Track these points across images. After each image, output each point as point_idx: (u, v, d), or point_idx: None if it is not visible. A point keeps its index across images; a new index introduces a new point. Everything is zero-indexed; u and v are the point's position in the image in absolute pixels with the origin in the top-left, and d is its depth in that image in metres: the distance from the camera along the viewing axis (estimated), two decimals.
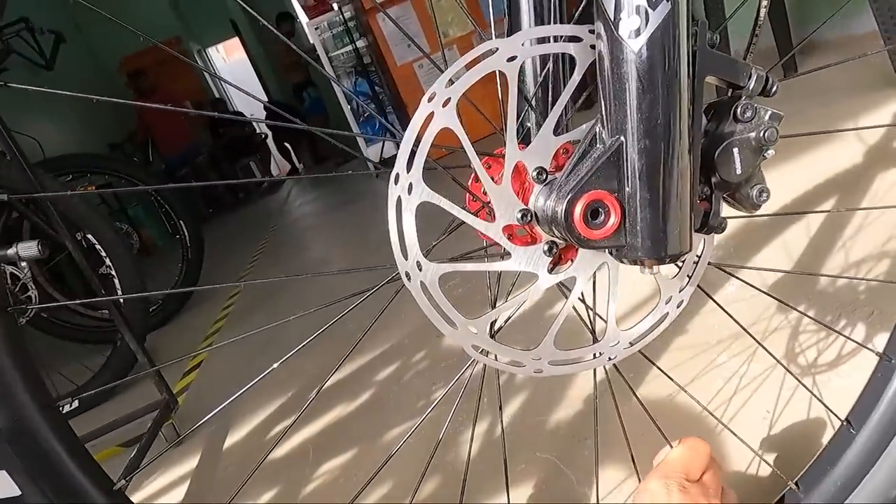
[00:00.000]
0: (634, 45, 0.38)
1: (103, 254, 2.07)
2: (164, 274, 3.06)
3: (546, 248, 0.45)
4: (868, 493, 0.57)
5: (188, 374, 2.17)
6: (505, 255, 0.46)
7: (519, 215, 0.44)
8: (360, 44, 5.02)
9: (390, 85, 4.62)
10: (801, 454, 0.80)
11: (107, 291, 2.18)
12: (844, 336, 0.81)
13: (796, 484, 0.63)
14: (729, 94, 0.46)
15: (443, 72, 0.43)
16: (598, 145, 0.42)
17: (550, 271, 0.45)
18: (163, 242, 5.36)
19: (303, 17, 6.15)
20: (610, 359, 0.48)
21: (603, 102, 0.40)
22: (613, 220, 0.41)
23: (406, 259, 0.44)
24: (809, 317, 1.03)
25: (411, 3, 4.38)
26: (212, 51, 9.63)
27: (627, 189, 0.41)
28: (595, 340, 0.50)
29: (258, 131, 7.63)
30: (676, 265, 0.49)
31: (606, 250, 0.44)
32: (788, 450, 0.83)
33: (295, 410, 1.54)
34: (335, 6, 4.96)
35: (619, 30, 0.38)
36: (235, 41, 8.77)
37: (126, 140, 6.34)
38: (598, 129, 0.42)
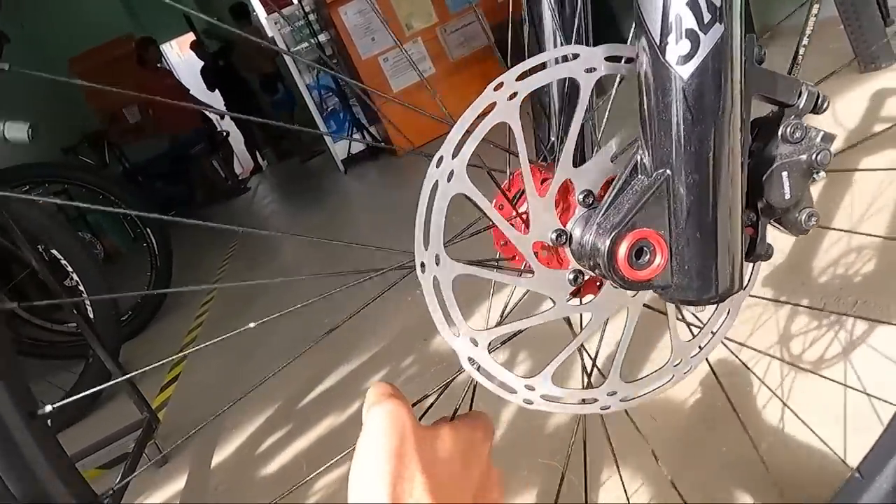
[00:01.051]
0: (683, 72, 0.35)
1: (69, 267, 1.98)
2: (133, 282, 2.95)
3: (572, 276, 0.43)
4: None
5: (166, 387, 2.10)
6: (526, 272, 0.44)
7: (554, 235, 0.42)
8: (323, 38, 4.92)
9: (355, 78, 4.54)
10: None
11: (75, 306, 2.10)
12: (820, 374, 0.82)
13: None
14: (774, 110, 0.45)
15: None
16: (639, 175, 0.40)
17: (568, 301, 0.43)
18: (128, 249, 5.19)
19: (261, 12, 6.00)
20: (602, 408, 0.47)
21: (646, 131, 0.38)
22: (659, 260, 0.39)
23: (426, 248, 0.41)
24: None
25: None
26: (165, 48, 9.31)
27: (674, 226, 0.39)
28: (590, 385, 0.49)
29: (219, 129, 7.43)
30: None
31: (636, 293, 0.42)
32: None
33: (284, 421, 1.50)
34: (295, 0, 4.84)
35: (666, 55, 0.35)
36: (191, 36, 8.50)
37: (80, 143, 6.10)
38: (639, 158, 0.40)
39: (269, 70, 7.07)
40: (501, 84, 0.40)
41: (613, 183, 0.41)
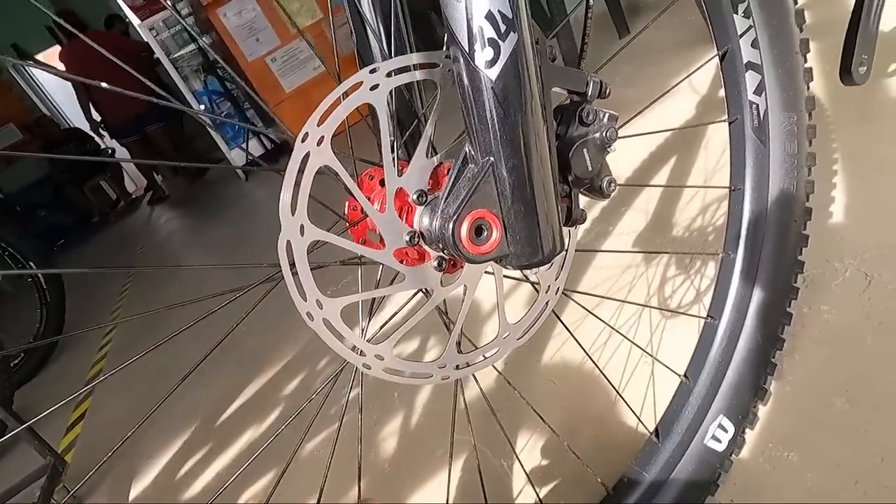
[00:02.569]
0: (491, 74, 0.41)
1: None
2: (23, 323, 2.74)
3: (436, 263, 0.48)
4: None
5: (72, 427, 1.99)
6: (398, 278, 0.48)
7: (407, 238, 0.46)
8: (206, 40, 4.72)
9: (245, 81, 4.41)
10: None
11: None
12: (666, 309, 0.92)
13: (655, 432, 0.72)
14: (572, 98, 0.51)
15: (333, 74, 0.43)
16: (470, 165, 0.45)
17: (443, 284, 0.48)
18: (12, 287, 4.78)
19: (133, 19, 5.66)
20: (458, 367, 0.52)
21: (470, 126, 0.43)
22: (496, 234, 0.44)
23: (293, 216, 0.44)
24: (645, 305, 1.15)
25: None
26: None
27: (504, 204, 0.44)
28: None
29: (102, 146, 6.97)
30: None
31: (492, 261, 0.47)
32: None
33: (202, 444, 1.48)
34: (168, 4, 4.61)
35: (476, 60, 0.41)
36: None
37: None
38: (467, 150, 0.45)
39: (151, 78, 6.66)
40: (307, 134, 0.43)
41: (448, 174, 0.45)
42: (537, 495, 0.87)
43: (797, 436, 0.75)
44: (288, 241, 0.43)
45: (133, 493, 1.43)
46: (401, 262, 0.47)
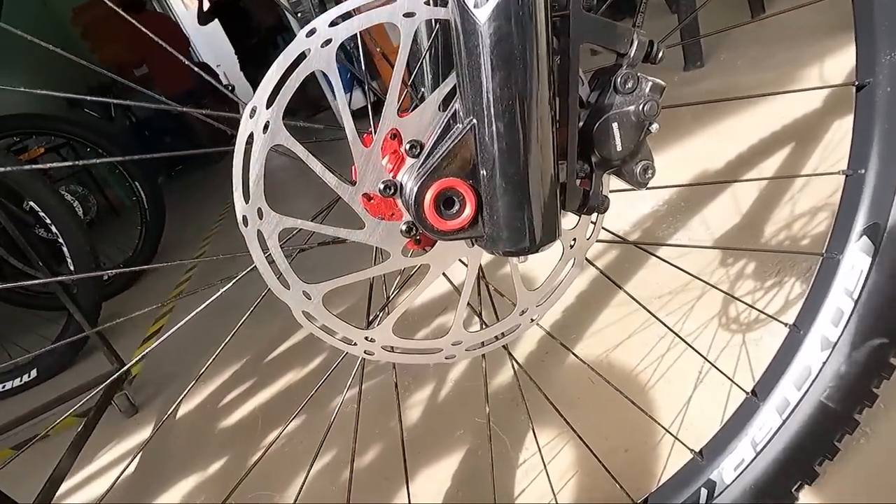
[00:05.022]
0: (480, 15, 0.33)
1: (48, 221, 2.00)
2: (126, 237, 2.97)
3: (405, 227, 0.41)
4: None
5: (148, 340, 2.14)
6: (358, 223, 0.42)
7: (381, 186, 0.40)
8: None
9: None
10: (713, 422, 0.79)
11: (55, 259, 2.12)
12: (756, 308, 0.80)
13: (700, 453, 0.62)
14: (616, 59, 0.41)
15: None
16: (456, 124, 0.37)
17: (407, 255, 0.42)
18: (130, 203, 5.22)
19: None
20: (447, 357, 0.45)
21: (458, 78, 0.36)
22: (468, 210, 0.37)
23: (246, 203, 0.40)
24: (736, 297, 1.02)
25: None
26: None
27: (483, 175, 0.37)
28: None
29: (225, 83, 7.35)
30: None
31: (463, 242, 0.40)
32: (708, 417, 0.82)
33: (247, 378, 1.52)
34: None
35: None
36: None
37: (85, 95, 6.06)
38: (457, 106, 0.37)
39: (271, 22, 6.89)
40: (314, 30, 0.37)
41: (432, 130, 0.38)
42: (554, 495, 0.80)
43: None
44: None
45: (180, 412, 1.51)
46: (365, 209, 0.41)
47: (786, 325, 0.59)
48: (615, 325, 1.08)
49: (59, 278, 0.63)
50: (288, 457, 1.14)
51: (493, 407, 1.02)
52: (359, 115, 4.90)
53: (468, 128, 0.36)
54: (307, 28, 0.37)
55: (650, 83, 0.39)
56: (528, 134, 0.35)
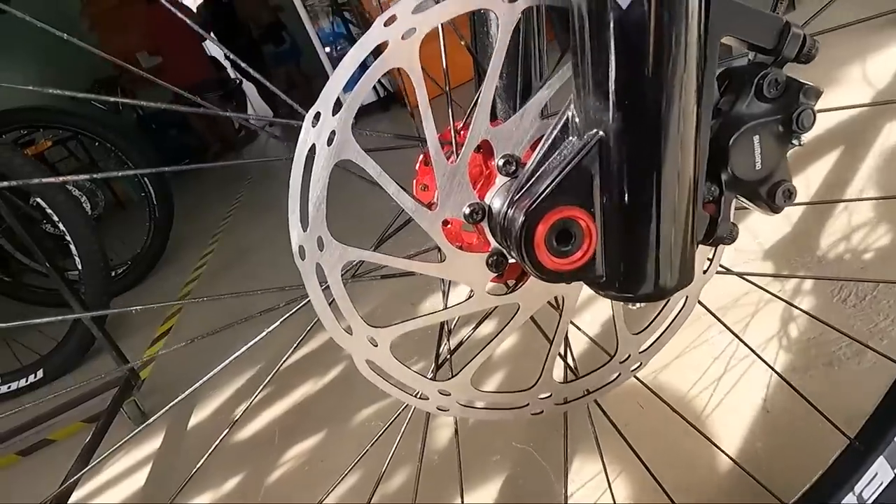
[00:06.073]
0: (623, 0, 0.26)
1: (55, 217, 1.93)
2: (135, 232, 2.91)
3: (492, 259, 0.34)
4: None
5: (156, 341, 2.07)
6: (440, 255, 0.35)
7: (467, 210, 0.33)
8: None
9: (368, 24, 4.35)
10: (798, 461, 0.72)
11: (62, 255, 2.06)
12: (866, 345, 0.72)
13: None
14: (751, 57, 0.34)
15: None
16: (570, 137, 0.30)
17: (490, 291, 0.34)
18: (138, 198, 5.16)
19: None
20: (533, 413, 0.38)
21: (577, 80, 0.29)
22: (587, 247, 0.30)
23: (304, 230, 0.33)
24: (806, 312, 0.94)
25: None
26: None
27: (607, 203, 0.30)
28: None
29: (232, 76, 7.29)
30: None
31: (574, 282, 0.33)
32: (786, 451, 0.75)
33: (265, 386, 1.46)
34: None
35: None
36: None
37: (92, 88, 6.01)
38: (570, 114, 0.30)
39: (269, 19, 6.80)
40: (394, 17, 0.30)
41: (539, 145, 0.31)
42: None
43: None
44: None
45: (192, 422, 1.44)
46: (446, 237, 0.33)
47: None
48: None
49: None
50: (308, 476, 1.08)
51: (532, 431, 0.95)
52: (369, 111, 4.83)
53: (594, 142, 0.28)
54: (385, 15, 0.30)
55: (806, 87, 0.32)
56: (671, 152, 0.28)
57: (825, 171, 1.30)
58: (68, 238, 1.96)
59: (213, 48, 8.64)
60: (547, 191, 0.29)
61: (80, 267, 1.98)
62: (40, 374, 2.04)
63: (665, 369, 0.95)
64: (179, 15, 0.56)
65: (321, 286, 0.33)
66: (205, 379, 0.54)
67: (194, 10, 7.44)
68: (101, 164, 5.18)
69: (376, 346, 0.34)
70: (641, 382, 0.63)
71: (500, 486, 0.88)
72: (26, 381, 2.04)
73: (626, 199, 0.29)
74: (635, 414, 0.89)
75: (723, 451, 0.61)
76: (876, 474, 0.51)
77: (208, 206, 4.11)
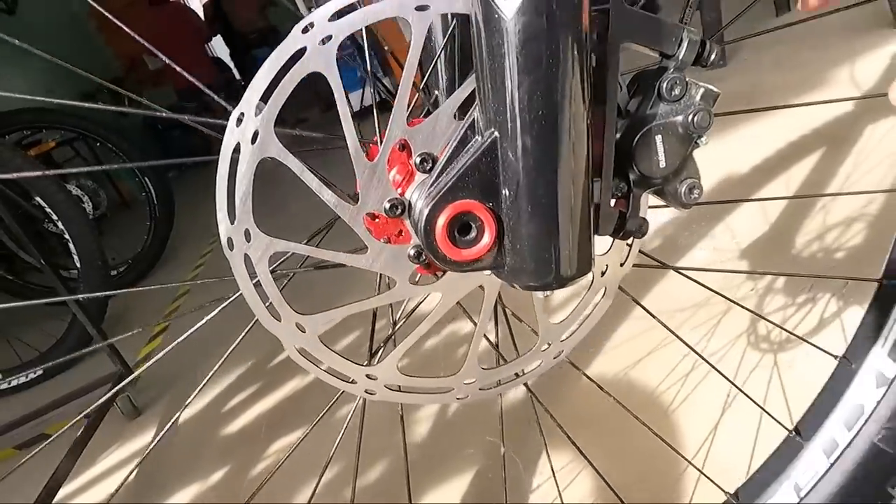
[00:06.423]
0: (507, 8, 0.27)
1: (55, 217, 1.97)
2: (137, 231, 2.94)
3: (413, 251, 0.36)
4: None
5: (153, 339, 2.10)
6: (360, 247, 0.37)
7: (388, 204, 0.35)
8: None
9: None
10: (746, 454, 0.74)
11: (62, 254, 2.10)
12: (806, 340, 0.73)
13: (735, 495, 0.56)
14: (660, 62, 0.36)
15: None
16: (475, 136, 0.32)
17: (414, 281, 0.36)
18: (140, 197, 5.21)
19: None
20: (458, 398, 0.40)
21: (478, 83, 0.31)
22: (487, 238, 0.32)
23: (232, 223, 0.35)
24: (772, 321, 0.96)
25: None
26: None
27: (505, 197, 0.31)
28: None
29: (237, 77, 7.34)
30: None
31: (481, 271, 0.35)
32: (736, 448, 0.76)
33: (251, 382, 1.48)
34: None
35: None
36: None
37: (99, 89, 6.06)
38: (476, 114, 0.32)
39: (260, 24, 6.83)
40: (311, 25, 0.32)
41: (448, 144, 0.33)
42: None
43: None
44: None
45: (183, 416, 1.47)
46: (369, 229, 0.36)
47: (834, 357, 0.53)
48: (635, 339, 1.02)
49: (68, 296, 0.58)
50: (288, 473, 1.10)
51: (506, 425, 0.97)
52: (369, 113, 4.84)
53: (489, 141, 0.30)
54: (302, 23, 0.32)
55: (701, 90, 0.34)
56: (561, 149, 0.30)
57: (808, 169, 1.31)
58: (67, 237, 1.99)
59: (216, 49, 8.70)
60: (447, 185, 0.31)
61: (78, 265, 2.02)
62: (39, 371, 2.08)
63: (636, 366, 0.97)
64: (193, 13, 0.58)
65: (251, 278, 0.35)
66: (206, 379, 0.56)
67: (200, 14, 7.49)
68: (105, 164, 5.24)
69: (304, 332, 0.36)
70: (583, 373, 0.65)
71: (471, 478, 0.90)
72: (26, 377, 2.07)
73: (522, 194, 0.31)
74: (607, 409, 0.91)
75: (668, 444, 0.63)
76: (812, 464, 0.52)
77: (208, 206, 4.14)
